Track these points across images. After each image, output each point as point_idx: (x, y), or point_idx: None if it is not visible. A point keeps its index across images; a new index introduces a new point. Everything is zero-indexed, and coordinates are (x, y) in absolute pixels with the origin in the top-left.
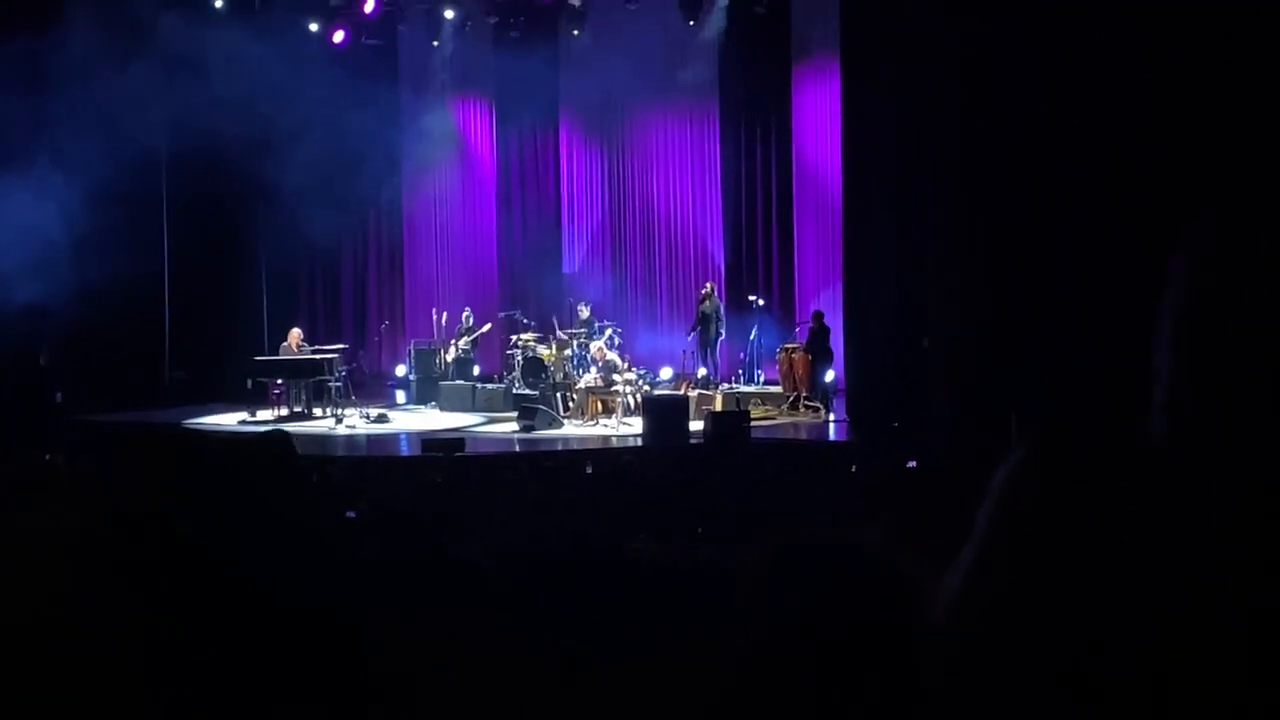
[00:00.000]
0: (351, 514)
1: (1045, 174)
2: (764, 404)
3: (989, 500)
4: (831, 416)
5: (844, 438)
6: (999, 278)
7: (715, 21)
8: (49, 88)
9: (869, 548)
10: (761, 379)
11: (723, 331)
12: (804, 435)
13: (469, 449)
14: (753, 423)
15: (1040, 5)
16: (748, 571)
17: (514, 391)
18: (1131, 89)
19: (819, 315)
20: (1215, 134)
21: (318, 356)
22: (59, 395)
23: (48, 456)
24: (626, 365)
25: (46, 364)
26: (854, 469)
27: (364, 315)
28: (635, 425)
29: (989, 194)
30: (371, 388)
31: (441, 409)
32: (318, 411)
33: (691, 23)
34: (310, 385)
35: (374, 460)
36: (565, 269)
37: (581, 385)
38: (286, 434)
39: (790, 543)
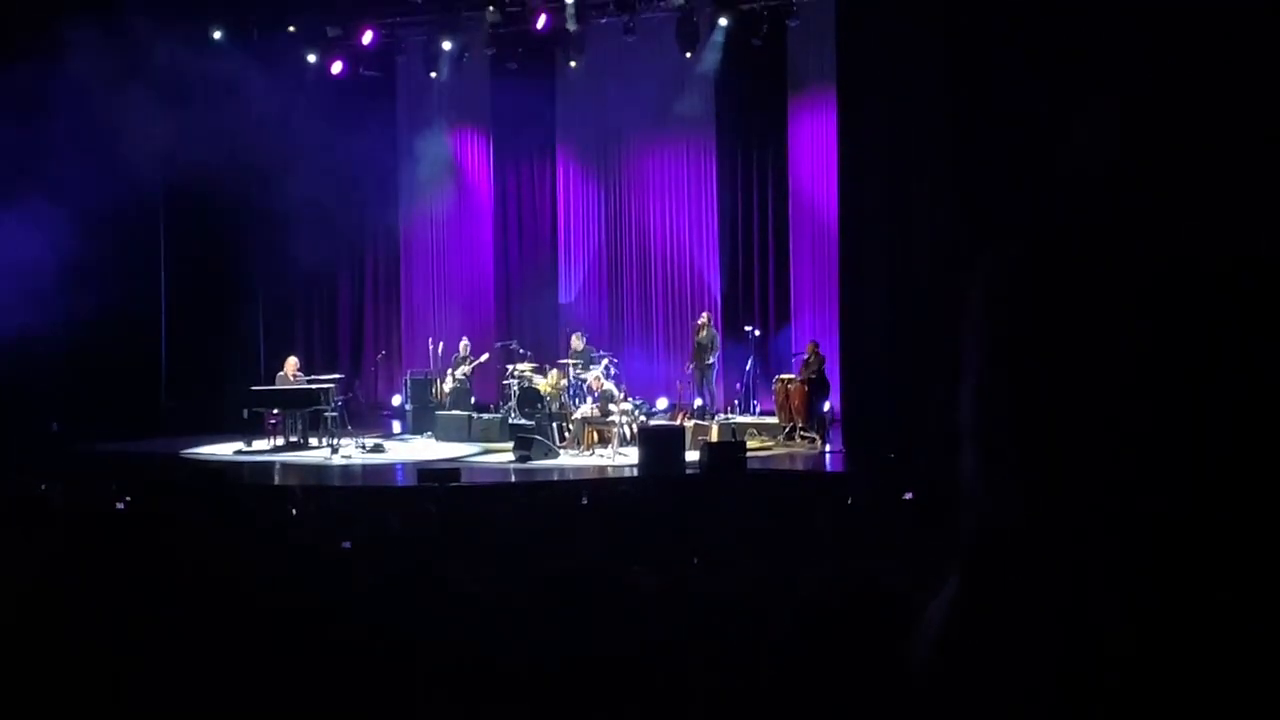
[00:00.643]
0: (347, 544)
1: (1044, 194)
2: (760, 434)
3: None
4: (827, 447)
5: (840, 468)
6: None
7: (712, 53)
8: (46, 117)
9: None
10: (758, 409)
11: (714, 359)
12: (800, 466)
13: (465, 479)
14: (749, 453)
15: (1035, 27)
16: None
17: (510, 421)
18: (1131, 95)
19: (814, 345)
20: (1215, 136)
21: (314, 386)
22: (55, 424)
23: (43, 486)
24: (623, 395)
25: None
26: (850, 501)
27: (360, 345)
28: (631, 455)
29: (987, 219)
30: (367, 417)
31: (437, 439)
32: (314, 441)
33: (688, 54)
34: (306, 415)
35: (370, 490)
36: (562, 299)
37: (578, 415)
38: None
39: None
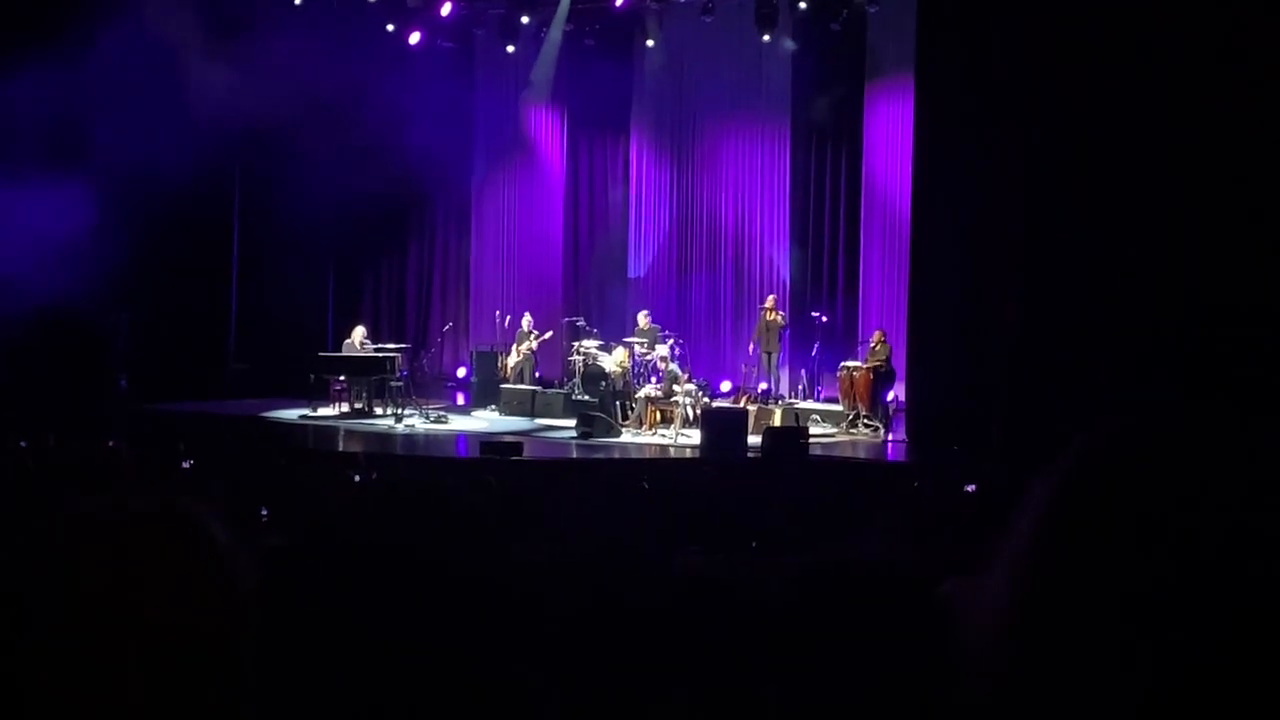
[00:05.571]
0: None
1: (1122, 195)
2: (823, 421)
3: (1031, 505)
4: (890, 436)
5: (902, 458)
6: (1069, 299)
7: (790, 36)
8: (119, 78)
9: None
10: (822, 396)
11: (780, 344)
12: (861, 454)
13: (526, 453)
14: (810, 439)
15: (1118, 37)
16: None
17: (574, 398)
18: (1212, 98)
19: (882, 334)
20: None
21: (380, 355)
22: (124, 382)
23: (111, 443)
24: (687, 376)
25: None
26: (916, 485)
27: (428, 316)
28: (693, 436)
29: (1059, 218)
30: (432, 388)
31: (501, 413)
32: (378, 409)
33: (766, 37)
34: (372, 383)
35: (431, 460)
36: (631, 274)
37: (641, 395)
38: None
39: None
